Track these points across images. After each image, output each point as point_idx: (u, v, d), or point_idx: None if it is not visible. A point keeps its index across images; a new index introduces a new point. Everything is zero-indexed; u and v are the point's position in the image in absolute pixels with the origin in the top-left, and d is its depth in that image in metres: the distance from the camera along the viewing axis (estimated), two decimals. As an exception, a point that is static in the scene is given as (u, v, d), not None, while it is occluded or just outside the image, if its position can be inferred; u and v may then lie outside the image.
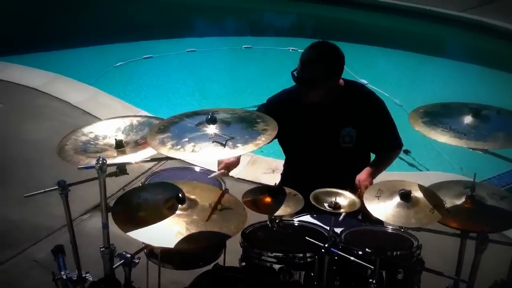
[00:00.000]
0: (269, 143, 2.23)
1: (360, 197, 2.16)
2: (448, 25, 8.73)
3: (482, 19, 8.43)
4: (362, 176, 2.57)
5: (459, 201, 2.19)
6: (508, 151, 2.04)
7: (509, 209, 2.18)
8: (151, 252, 2.27)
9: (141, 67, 7.62)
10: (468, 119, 2.11)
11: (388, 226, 2.16)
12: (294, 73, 2.61)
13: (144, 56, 7.71)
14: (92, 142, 2.20)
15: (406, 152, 5.30)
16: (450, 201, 2.19)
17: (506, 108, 2.27)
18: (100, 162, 1.93)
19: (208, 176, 2.44)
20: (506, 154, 2.14)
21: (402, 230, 2.13)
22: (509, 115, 2.23)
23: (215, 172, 2.44)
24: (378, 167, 2.71)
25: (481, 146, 2.03)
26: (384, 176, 2.72)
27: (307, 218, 2.37)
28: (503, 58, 8.08)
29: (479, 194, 2.20)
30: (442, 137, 2.04)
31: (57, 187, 2.06)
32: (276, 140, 2.77)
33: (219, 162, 2.47)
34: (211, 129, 1.99)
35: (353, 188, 2.47)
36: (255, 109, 2.69)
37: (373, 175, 2.63)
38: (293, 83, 2.70)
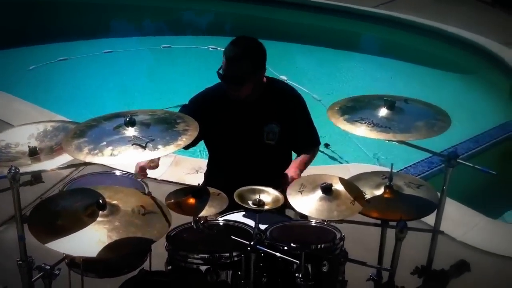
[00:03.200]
0: (194, 145, 2.21)
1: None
2: (363, 20, 8.99)
3: (395, 14, 8.73)
4: (290, 170, 2.60)
5: (378, 192, 2.25)
6: (421, 140, 2.12)
7: (425, 197, 2.27)
8: (72, 261, 2.19)
9: (57, 70, 7.34)
10: (383, 112, 2.18)
11: (312, 220, 2.19)
12: (220, 71, 2.60)
13: (59, 59, 7.44)
14: (3, 151, 2.10)
15: (326, 145, 5.41)
16: (369, 192, 2.25)
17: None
18: (13, 171, 1.84)
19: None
20: (419, 143, 2.22)
21: (325, 223, 2.16)
22: (417, 103, 2.31)
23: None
24: (303, 162, 2.76)
25: (407, 138, 2.10)
26: (306, 170, 2.77)
27: (237, 216, 2.37)
28: (415, 51, 8.41)
29: (397, 184, 2.28)
30: (369, 133, 2.10)
31: (-33, 200, 1.95)
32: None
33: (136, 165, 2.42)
34: (130, 132, 1.94)
35: (280, 184, 2.49)
36: (177, 109, 2.66)
37: (300, 170, 2.66)
38: (214, 81, 2.69)
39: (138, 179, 2.38)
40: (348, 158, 5.49)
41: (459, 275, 2.29)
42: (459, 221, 4.20)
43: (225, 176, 2.67)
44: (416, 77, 7.55)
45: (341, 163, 5.44)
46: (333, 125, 2.19)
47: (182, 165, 4.68)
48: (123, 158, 1.84)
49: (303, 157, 2.80)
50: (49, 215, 2.00)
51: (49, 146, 2.12)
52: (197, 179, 2.89)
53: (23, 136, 2.17)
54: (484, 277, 3.65)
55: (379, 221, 2.22)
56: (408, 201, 2.25)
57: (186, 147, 1.98)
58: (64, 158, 2.03)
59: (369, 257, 2.30)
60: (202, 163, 3.06)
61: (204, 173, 3.06)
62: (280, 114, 2.72)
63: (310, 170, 2.65)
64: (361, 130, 2.10)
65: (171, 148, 1.90)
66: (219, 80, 2.69)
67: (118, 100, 6.49)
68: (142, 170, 2.42)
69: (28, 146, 2.07)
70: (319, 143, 2.89)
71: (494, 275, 3.76)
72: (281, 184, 2.45)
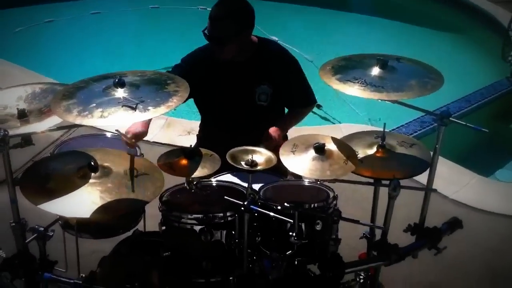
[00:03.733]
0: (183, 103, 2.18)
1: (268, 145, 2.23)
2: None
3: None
4: (272, 128, 2.59)
5: (370, 151, 2.25)
6: (413, 99, 2.11)
7: (418, 156, 2.27)
8: (66, 223, 2.19)
9: (44, 32, 7.23)
10: (376, 71, 2.16)
11: (305, 180, 2.19)
12: (205, 31, 2.56)
13: (45, 20, 7.31)
14: (-9, 114, 2.07)
15: (319, 106, 5.41)
16: (362, 151, 2.25)
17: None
18: (2, 133, 1.82)
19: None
20: (411, 103, 2.21)
21: (319, 182, 2.16)
22: (409, 62, 2.29)
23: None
24: (289, 121, 2.75)
25: (400, 97, 2.08)
26: (298, 130, 2.76)
27: (231, 176, 2.37)
28: (407, 11, 8.34)
29: (389, 143, 2.27)
30: (362, 93, 2.06)
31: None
32: (192, 101, 2.73)
33: (126, 133, 2.39)
34: (120, 93, 1.91)
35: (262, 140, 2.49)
36: (167, 70, 2.62)
37: (283, 128, 2.65)
38: (203, 42, 2.65)
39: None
40: (340, 118, 5.50)
41: (451, 232, 2.31)
42: (452, 180, 4.25)
43: (217, 137, 2.65)
44: (408, 37, 7.52)
45: (333, 123, 5.45)
46: (325, 85, 2.16)
47: (174, 126, 4.68)
48: (113, 120, 1.81)
49: (289, 117, 2.78)
50: (41, 177, 1.98)
51: (38, 108, 2.09)
52: (190, 141, 2.88)
53: (11, 99, 2.13)
54: (476, 234, 3.71)
55: (372, 180, 2.22)
56: (401, 160, 2.25)
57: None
58: (54, 120, 2.01)
59: (362, 215, 2.31)
60: (195, 124, 3.05)
61: (197, 135, 3.05)
62: (272, 75, 2.69)
63: (302, 130, 2.64)
64: (354, 90, 2.08)
65: (162, 109, 1.87)
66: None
67: (107, 62, 6.42)
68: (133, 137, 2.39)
69: (17, 109, 2.04)
70: (314, 102, 2.87)
71: (486, 232, 3.83)
72: (262, 140, 2.45)
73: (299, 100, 2.81)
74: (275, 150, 2.17)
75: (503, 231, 3.85)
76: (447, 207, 3.95)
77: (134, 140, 2.28)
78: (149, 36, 7.49)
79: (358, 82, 2.11)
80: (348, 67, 2.23)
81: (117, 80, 1.93)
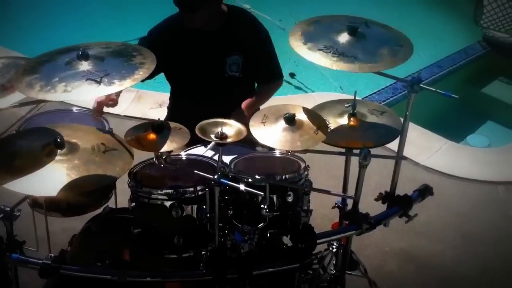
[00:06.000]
0: (151, 78, 2.14)
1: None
2: None
3: None
4: (244, 104, 2.57)
5: (341, 120, 2.23)
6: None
7: (389, 124, 2.26)
8: (35, 202, 2.15)
9: (7, 2, 7.01)
10: (345, 37, 2.12)
11: (276, 151, 2.18)
12: None
13: (9, -11, 7.09)
14: (-49, 91, 2.00)
15: (292, 75, 5.38)
16: (333, 121, 2.23)
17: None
18: (-38, 111, 1.76)
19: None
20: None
21: (289, 153, 2.15)
22: (377, 26, 2.26)
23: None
24: (260, 97, 2.72)
25: (373, 69, 2.05)
26: (270, 101, 2.73)
27: (201, 150, 2.34)
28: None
29: (360, 111, 2.26)
30: (335, 64, 2.02)
31: None
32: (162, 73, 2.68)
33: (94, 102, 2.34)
34: (84, 66, 1.85)
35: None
36: (137, 42, 2.56)
37: (254, 104, 2.63)
38: (174, 12, 2.58)
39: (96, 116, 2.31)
40: (313, 87, 5.47)
41: (422, 199, 2.33)
42: (423, 146, 4.29)
43: (188, 109, 2.61)
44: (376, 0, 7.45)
45: (306, 92, 5.43)
46: (298, 55, 2.13)
47: (145, 99, 4.61)
48: (77, 94, 1.76)
49: (259, 93, 2.75)
50: (6, 156, 1.93)
51: (1, 84, 2.03)
52: (161, 114, 2.84)
53: (-28, 75, 2.07)
54: (448, 199, 3.76)
55: (343, 150, 2.22)
56: (372, 128, 2.24)
57: (143, 80, 1.91)
58: (17, 96, 1.95)
59: (335, 185, 2.32)
60: (166, 97, 3.00)
61: (167, 107, 3.00)
62: (242, 45, 2.65)
63: (274, 101, 2.61)
64: (327, 61, 2.04)
65: (128, 82, 1.82)
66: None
67: (76, 33, 6.26)
68: (99, 106, 2.35)
69: (-22, 85, 1.98)
70: (281, 76, 2.84)
71: (458, 197, 3.88)
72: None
73: (267, 74, 2.78)
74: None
75: (474, 196, 3.91)
76: (419, 174, 3.99)
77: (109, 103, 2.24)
78: (118, 6, 7.31)
79: (330, 52, 2.07)
80: (318, 33, 2.19)
81: (80, 53, 1.87)
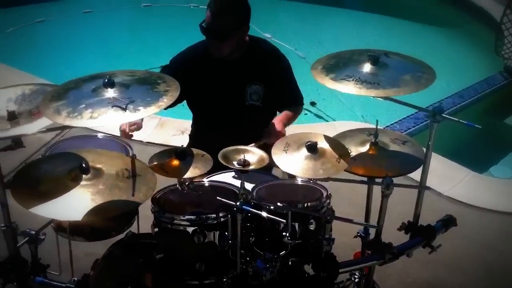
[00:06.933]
0: (173, 106, 2.18)
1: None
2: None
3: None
4: (275, 120, 2.59)
5: (363, 149, 2.24)
6: (406, 96, 2.09)
7: (411, 153, 2.26)
8: (59, 226, 2.17)
9: (35, 32, 7.19)
10: (367, 67, 2.13)
11: (298, 179, 2.18)
12: (203, 25, 2.53)
13: (37, 20, 7.27)
14: (-19, 116, 2.04)
15: (313, 104, 5.40)
16: (355, 149, 2.23)
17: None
18: (-9, 136, 1.80)
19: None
20: (403, 99, 2.19)
21: (311, 181, 2.15)
22: (398, 57, 2.27)
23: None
24: (286, 118, 2.73)
25: (397, 93, 2.05)
26: (292, 129, 2.75)
27: (223, 176, 2.36)
28: (398, 5, 8.34)
29: (382, 140, 2.26)
30: (358, 90, 2.04)
31: None
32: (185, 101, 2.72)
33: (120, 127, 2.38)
34: (110, 93, 1.89)
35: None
36: (159, 70, 2.61)
37: (283, 123, 2.64)
38: (196, 40, 2.63)
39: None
40: (334, 116, 5.49)
41: (446, 230, 2.31)
42: (445, 176, 4.25)
43: (209, 137, 2.63)
44: (400, 32, 7.51)
45: (327, 121, 5.44)
46: (318, 83, 2.14)
47: (168, 126, 4.65)
48: (103, 120, 1.79)
49: (286, 112, 2.77)
50: (32, 180, 1.96)
51: (28, 110, 2.06)
52: (183, 141, 2.87)
53: (1, 100, 2.09)
54: (471, 231, 3.71)
55: (365, 178, 2.21)
56: (394, 157, 2.24)
57: (166, 108, 1.95)
58: (44, 122, 1.98)
59: (356, 214, 2.31)
60: (188, 124, 3.03)
61: (189, 134, 3.03)
62: (263, 75, 2.68)
63: (295, 129, 2.63)
64: (350, 88, 2.05)
65: (152, 109, 1.85)
66: (200, 39, 2.63)
67: (99, 61, 6.39)
68: (124, 133, 2.39)
69: (7, 110, 2.01)
70: (302, 101, 2.86)
71: (481, 228, 3.83)
72: (264, 132, 2.44)
73: (289, 99, 2.80)
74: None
75: (497, 227, 3.85)
76: (442, 204, 3.94)
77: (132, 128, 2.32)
78: (141, 35, 7.45)
79: (352, 80, 2.08)
80: (339, 65, 2.21)
81: (106, 80, 1.91)
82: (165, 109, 1.96)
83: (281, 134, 2.52)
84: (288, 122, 2.74)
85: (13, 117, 2.00)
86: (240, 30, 2.57)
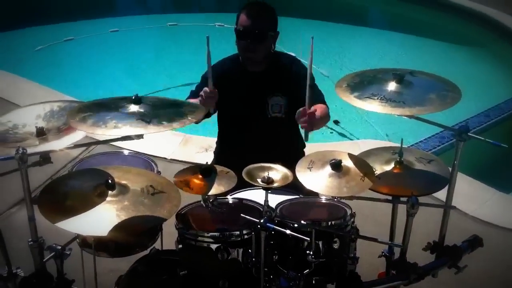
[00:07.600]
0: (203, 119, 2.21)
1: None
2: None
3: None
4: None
5: (388, 167, 2.23)
6: (431, 115, 2.08)
7: (436, 172, 2.24)
8: (84, 241, 2.20)
9: (63, 50, 7.34)
10: (392, 86, 2.13)
11: (322, 197, 2.17)
12: (239, 28, 2.60)
13: (65, 39, 7.42)
14: (11, 131, 2.08)
15: (336, 122, 5.39)
16: (379, 168, 2.22)
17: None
18: (20, 152, 1.83)
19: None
20: (429, 117, 2.18)
21: (336, 199, 2.15)
22: (423, 75, 2.27)
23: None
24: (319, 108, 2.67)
25: (422, 112, 2.04)
26: (316, 147, 2.75)
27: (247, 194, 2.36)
28: (423, 24, 8.33)
29: (407, 159, 2.25)
30: (383, 109, 2.04)
31: (-24, 181, 1.95)
32: (207, 118, 2.74)
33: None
34: (136, 108, 1.93)
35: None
36: (183, 88, 2.65)
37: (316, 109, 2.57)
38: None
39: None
40: (358, 134, 5.46)
41: (472, 250, 2.27)
42: (471, 196, 4.18)
43: (234, 153, 2.65)
44: (425, 51, 7.48)
45: (351, 139, 5.42)
46: (343, 101, 2.14)
47: (192, 143, 4.68)
48: (126, 130, 1.85)
49: (318, 104, 2.68)
50: (59, 196, 1.99)
51: (56, 126, 2.11)
52: (207, 158, 2.88)
53: (30, 117, 2.15)
54: (497, 251, 3.64)
55: (390, 197, 2.20)
56: (419, 176, 2.22)
57: (197, 122, 1.99)
58: (72, 138, 2.02)
59: (381, 233, 2.28)
60: (212, 141, 3.06)
61: (214, 151, 3.05)
62: (285, 86, 2.71)
63: (319, 147, 2.62)
64: (375, 106, 2.05)
65: (176, 124, 1.90)
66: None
67: (126, 79, 6.48)
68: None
69: (35, 127, 2.06)
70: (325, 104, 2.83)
71: (507, 249, 3.75)
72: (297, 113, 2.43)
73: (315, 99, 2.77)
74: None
75: (525, 248, 3.78)
76: (467, 224, 3.88)
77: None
78: (167, 53, 7.55)
79: (377, 98, 2.08)
80: (363, 84, 2.22)
81: (134, 98, 1.95)
82: (196, 122, 1.99)
83: (312, 115, 2.45)
84: (321, 112, 2.57)
85: (41, 134, 2.04)
86: (274, 33, 2.65)
